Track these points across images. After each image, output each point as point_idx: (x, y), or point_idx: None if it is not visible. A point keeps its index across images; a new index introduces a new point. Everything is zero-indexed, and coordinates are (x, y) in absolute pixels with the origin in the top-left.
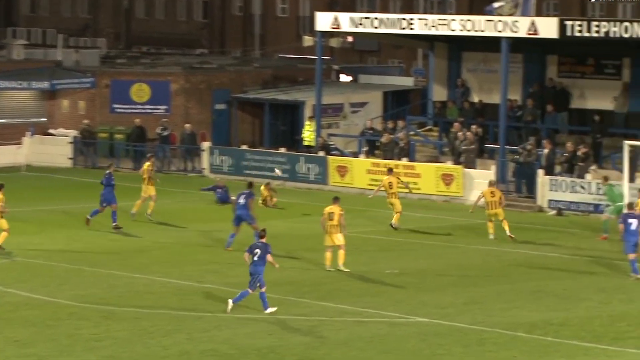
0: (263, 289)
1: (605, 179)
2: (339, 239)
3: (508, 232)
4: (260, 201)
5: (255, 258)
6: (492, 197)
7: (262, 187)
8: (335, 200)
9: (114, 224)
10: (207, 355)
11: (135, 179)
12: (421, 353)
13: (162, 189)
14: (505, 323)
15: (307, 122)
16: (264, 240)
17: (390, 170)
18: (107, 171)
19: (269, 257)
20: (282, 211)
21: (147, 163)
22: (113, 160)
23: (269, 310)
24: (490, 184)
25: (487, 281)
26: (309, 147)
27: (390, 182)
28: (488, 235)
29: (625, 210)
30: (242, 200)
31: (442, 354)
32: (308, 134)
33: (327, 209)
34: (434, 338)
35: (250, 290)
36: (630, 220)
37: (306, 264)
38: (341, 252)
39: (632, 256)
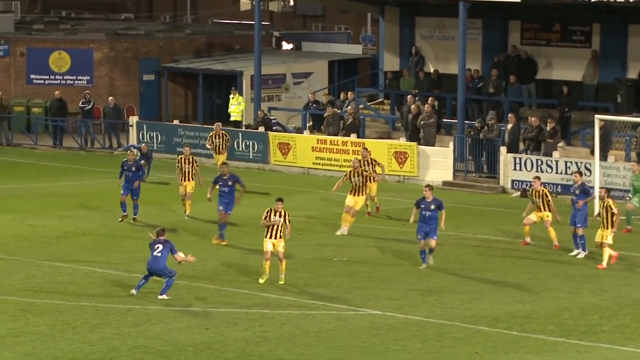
0: (174, 277)
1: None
2: (281, 245)
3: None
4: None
5: (156, 253)
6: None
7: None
8: (279, 201)
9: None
10: (138, 352)
11: (55, 157)
12: (374, 349)
13: (84, 169)
14: (466, 316)
15: (231, 95)
16: (164, 237)
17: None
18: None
19: (179, 257)
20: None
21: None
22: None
23: (163, 297)
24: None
25: (444, 270)
26: (236, 122)
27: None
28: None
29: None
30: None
31: (397, 350)
32: (234, 108)
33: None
34: (388, 332)
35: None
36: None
37: (244, 251)
38: (283, 265)
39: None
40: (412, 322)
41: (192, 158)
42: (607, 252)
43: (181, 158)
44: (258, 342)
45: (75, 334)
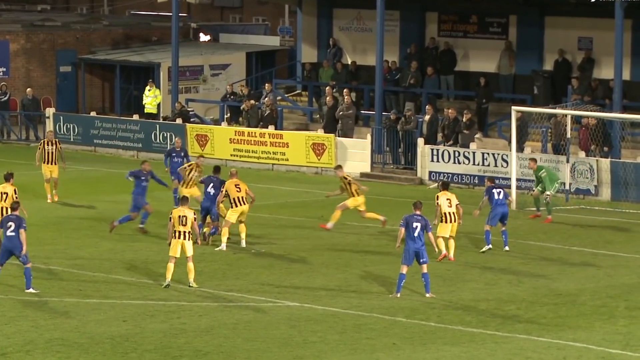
0: (28, 265)
1: (535, 161)
2: (189, 248)
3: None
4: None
5: (9, 233)
6: (238, 192)
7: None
8: (184, 200)
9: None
10: (55, 345)
11: None
12: (292, 340)
13: (0, 161)
14: (384, 307)
15: (147, 87)
16: (17, 212)
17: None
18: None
19: (22, 234)
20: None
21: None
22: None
23: (31, 290)
24: (232, 174)
25: (362, 262)
26: (151, 115)
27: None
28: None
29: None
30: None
31: (315, 341)
32: (149, 100)
33: (177, 212)
34: (306, 324)
35: (29, 265)
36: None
37: (160, 243)
38: (191, 265)
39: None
40: (329, 313)
41: (57, 141)
42: (441, 244)
43: (44, 141)
44: (176, 334)
45: None
